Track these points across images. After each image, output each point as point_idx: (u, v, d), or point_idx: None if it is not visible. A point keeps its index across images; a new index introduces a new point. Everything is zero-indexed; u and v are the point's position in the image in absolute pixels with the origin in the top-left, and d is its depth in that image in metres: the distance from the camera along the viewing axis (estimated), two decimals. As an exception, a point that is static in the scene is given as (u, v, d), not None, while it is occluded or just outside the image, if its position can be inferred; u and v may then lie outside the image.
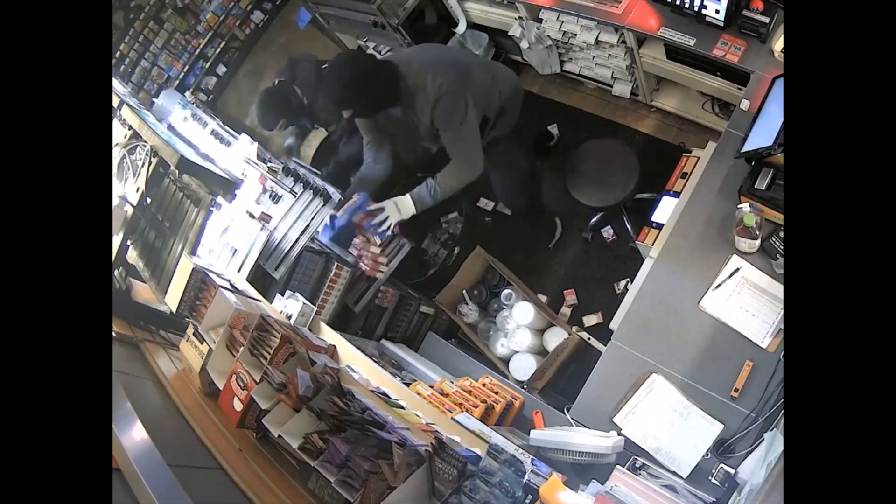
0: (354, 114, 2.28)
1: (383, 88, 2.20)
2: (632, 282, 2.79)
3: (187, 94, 3.80)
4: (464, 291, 3.09)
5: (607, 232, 3.23)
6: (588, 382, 2.02)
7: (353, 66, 2.17)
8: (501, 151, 2.61)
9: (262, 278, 2.44)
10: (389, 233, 2.35)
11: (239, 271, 2.28)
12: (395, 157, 2.55)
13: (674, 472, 1.77)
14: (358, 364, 1.82)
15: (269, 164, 2.72)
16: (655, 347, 1.96)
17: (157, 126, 2.46)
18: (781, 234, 1.91)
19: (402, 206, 2.31)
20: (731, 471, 1.72)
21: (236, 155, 2.78)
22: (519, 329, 2.91)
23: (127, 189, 2.04)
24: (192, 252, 1.87)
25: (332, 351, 1.83)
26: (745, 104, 2.20)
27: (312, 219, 2.53)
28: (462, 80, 2.23)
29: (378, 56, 2.24)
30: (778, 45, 2.18)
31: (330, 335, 1.93)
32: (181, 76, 4.67)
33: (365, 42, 4.20)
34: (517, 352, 2.91)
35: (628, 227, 3.12)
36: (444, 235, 3.56)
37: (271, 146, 3.12)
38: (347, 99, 2.20)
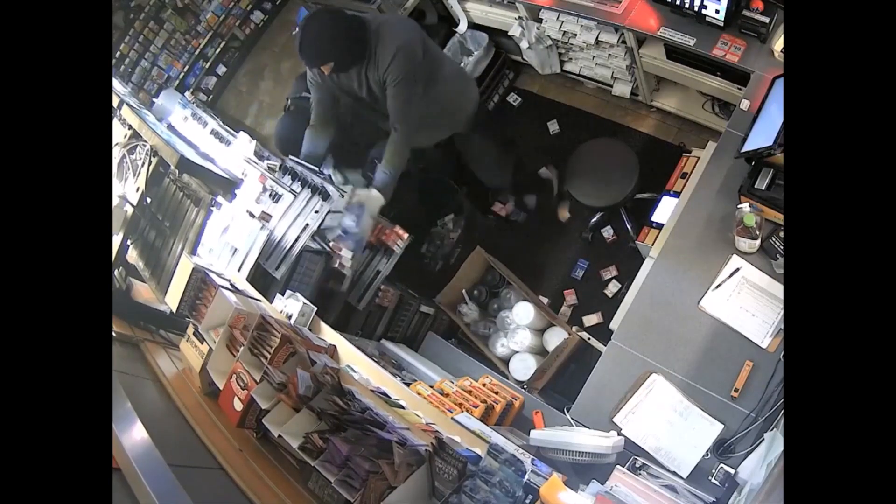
0: (334, 68, 2.31)
1: (354, 37, 2.25)
2: (626, 283, 2.80)
3: (187, 94, 3.80)
4: (463, 291, 3.09)
5: (607, 232, 3.23)
6: (588, 382, 2.02)
7: (321, 19, 2.24)
8: (471, 145, 2.72)
9: (262, 278, 2.44)
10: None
11: (239, 271, 2.28)
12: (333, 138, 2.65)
13: (674, 472, 1.77)
14: (358, 364, 1.82)
15: (267, 163, 2.72)
16: (655, 347, 1.96)
17: (157, 126, 2.45)
18: (781, 234, 1.91)
19: (372, 203, 2.41)
20: (731, 471, 1.72)
21: (236, 154, 2.78)
22: (519, 329, 2.91)
23: (127, 189, 2.04)
24: (192, 252, 1.87)
25: (332, 351, 1.83)
26: (745, 104, 2.20)
27: (312, 217, 2.53)
28: (424, 47, 2.29)
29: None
30: (778, 45, 2.18)
31: (330, 335, 1.93)
32: (181, 76, 4.67)
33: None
34: (517, 352, 2.91)
35: (628, 227, 3.12)
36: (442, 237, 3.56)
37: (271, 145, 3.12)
38: (323, 51, 2.26)
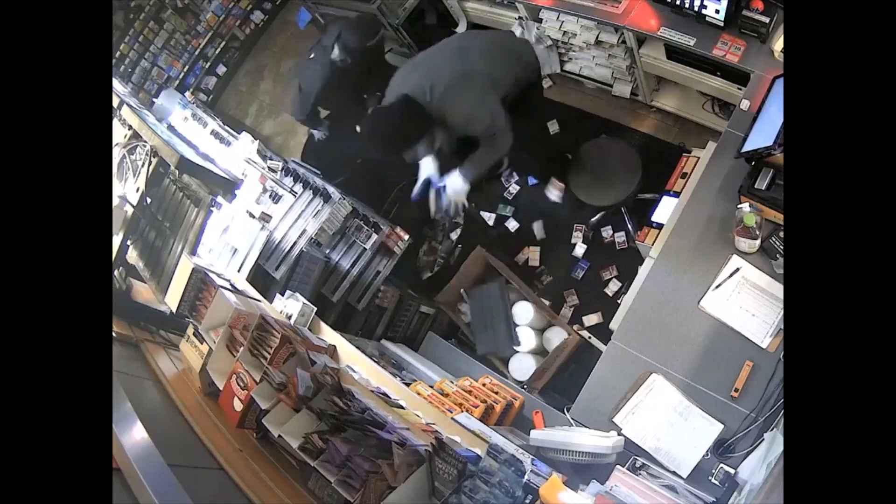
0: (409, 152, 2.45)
1: (417, 129, 2.30)
2: (626, 282, 2.80)
3: (187, 94, 3.80)
4: (462, 291, 3.09)
5: (607, 232, 3.23)
6: (588, 382, 2.02)
7: (384, 124, 2.27)
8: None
9: (262, 278, 2.44)
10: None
11: (239, 271, 2.28)
12: None
13: (674, 472, 1.77)
14: (358, 364, 1.82)
15: (268, 164, 2.73)
16: (655, 347, 1.96)
17: (157, 126, 2.46)
18: (781, 234, 1.91)
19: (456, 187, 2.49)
20: (731, 471, 1.72)
21: (236, 155, 2.79)
22: (519, 329, 2.91)
23: (127, 189, 2.04)
24: (192, 252, 1.87)
25: (332, 351, 1.83)
26: (745, 104, 2.20)
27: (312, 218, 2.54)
28: (480, 90, 2.28)
29: (395, 99, 2.33)
30: (778, 45, 2.18)
31: (330, 335, 1.93)
32: (181, 76, 4.68)
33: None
34: (518, 351, 2.91)
35: (629, 226, 3.12)
36: (440, 235, 3.57)
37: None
38: (395, 149, 2.37)
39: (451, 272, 3.17)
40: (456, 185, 2.43)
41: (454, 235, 3.55)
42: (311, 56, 3.18)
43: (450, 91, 2.24)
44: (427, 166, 2.59)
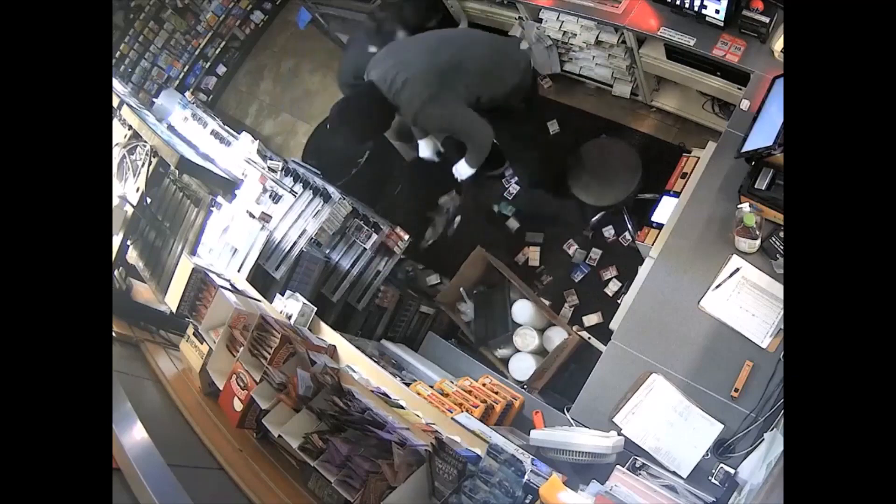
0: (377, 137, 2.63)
1: (379, 118, 2.41)
2: (626, 282, 2.80)
3: (187, 94, 3.80)
4: (461, 289, 3.08)
5: (608, 232, 3.23)
6: (588, 382, 2.02)
7: (347, 114, 2.38)
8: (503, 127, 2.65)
9: (262, 278, 2.44)
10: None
11: (239, 271, 2.28)
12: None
13: (674, 472, 1.77)
14: (358, 364, 1.82)
15: (268, 164, 2.73)
16: (655, 347, 1.96)
17: (157, 126, 2.46)
18: (781, 234, 1.91)
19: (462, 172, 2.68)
20: (731, 471, 1.72)
21: (236, 155, 2.79)
22: (519, 328, 2.91)
23: (127, 189, 2.04)
24: (192, 252, 1.87)
25: (332, 351, 1.83)
26: (745, 104, 2.20)
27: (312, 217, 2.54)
28: (437, 88, 2.30)
29: (360, 84, 2.39)
30: (778, 45, 2.18)
31: (330, 335, 1.93)
32: (181, 76, 4.68)
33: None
34: (517, 351, 2.91)
35: (629, 226, 3.12)
36: (442, 219, 3.57)
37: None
38: (361, 137, 2.59)
39: (452, 272, 3.17)
40: (461, 169, 2.63)
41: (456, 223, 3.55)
42: (372, 49, 2.89)
43: (407, 84, 2.27)
44: (425, 147, 2.75)
